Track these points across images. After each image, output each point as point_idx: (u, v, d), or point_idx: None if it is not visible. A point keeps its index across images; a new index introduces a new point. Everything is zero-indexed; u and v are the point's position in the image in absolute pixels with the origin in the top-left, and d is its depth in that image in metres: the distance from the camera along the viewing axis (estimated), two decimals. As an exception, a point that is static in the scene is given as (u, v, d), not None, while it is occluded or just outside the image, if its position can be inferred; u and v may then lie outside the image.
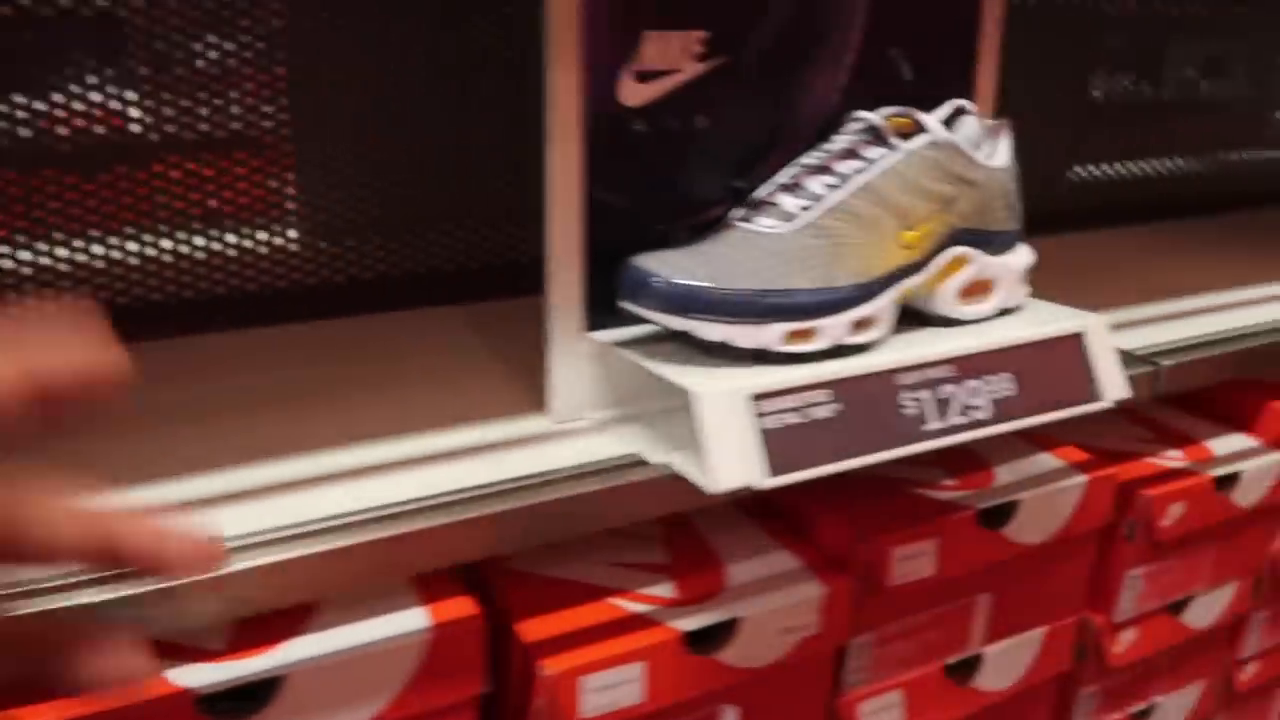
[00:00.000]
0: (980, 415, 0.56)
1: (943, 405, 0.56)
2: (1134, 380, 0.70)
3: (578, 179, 0.57)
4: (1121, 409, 0.66)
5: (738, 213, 0.58)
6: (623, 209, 0.60)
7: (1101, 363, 0.61)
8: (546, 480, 0.54)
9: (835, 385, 0.53)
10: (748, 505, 0.72)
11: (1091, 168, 1.18)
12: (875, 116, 0.59)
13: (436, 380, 0.68)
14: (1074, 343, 0.61)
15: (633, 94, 0.58)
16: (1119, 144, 1.20)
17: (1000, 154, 0.61)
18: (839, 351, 0.55)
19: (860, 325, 0.55)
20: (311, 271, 0.80)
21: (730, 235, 0.56)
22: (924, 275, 0.59)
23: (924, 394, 0.55)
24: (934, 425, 0.55)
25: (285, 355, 0.74)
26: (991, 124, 0.63)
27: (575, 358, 0.60)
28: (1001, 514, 0.70)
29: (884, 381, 0.54)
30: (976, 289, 0.61)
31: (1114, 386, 0.61)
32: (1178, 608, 0.86)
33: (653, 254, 0.55)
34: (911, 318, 0.61)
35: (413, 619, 0.53)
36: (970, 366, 0.57)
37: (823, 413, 0.53)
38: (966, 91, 0.67)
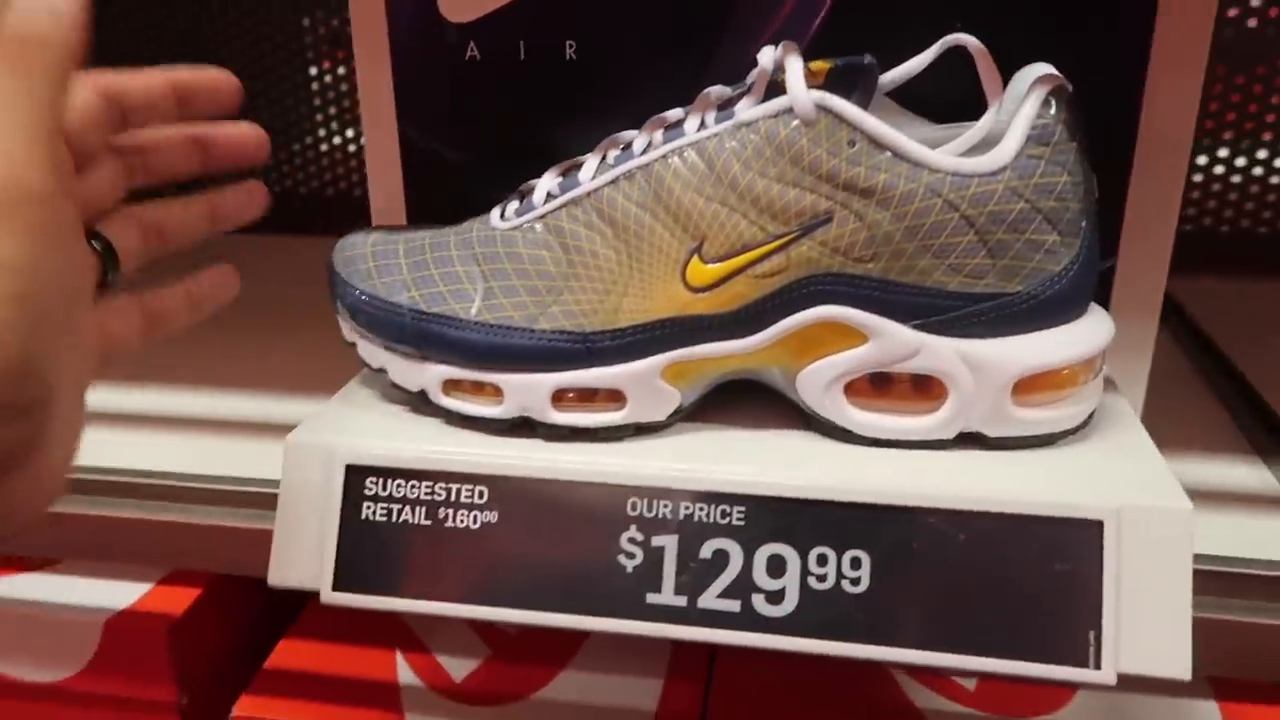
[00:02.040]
0: (772, 610, 0.31)
1: (701, 570, 0.32)
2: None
3: (391, 118, 0.43)
4: None
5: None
6: (456, 162, 0.44)
7: (1135, 594, 0.29)
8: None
9: (492, 482, 0.33)
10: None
11: None
12: (775, 51, 0.34)
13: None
14: (1073, 538, 0.30)
15: (459, 5, 0.41)
16: None
17: (1007, 145, 0.31)
18: (540, 430, 0.34)
19: (581, 399, 0.33)
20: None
21: (473, 224, 0.37)
22: (754, 343, 0.33)
23: (665, 541, 0.32)
24: (669, 599, 0.32)
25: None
26: (1044, 85, 0.32)
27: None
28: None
29: (590, 501, 0.32)
30: (893, 390, 0.33)
31: (1150, 654, 0.29)
32: None
33: (370, 237, 0.39)
34: (800, 421, 0.35)
35: None
36: (776, 518, 0.31)
37: (464, 519, 0.33)
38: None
